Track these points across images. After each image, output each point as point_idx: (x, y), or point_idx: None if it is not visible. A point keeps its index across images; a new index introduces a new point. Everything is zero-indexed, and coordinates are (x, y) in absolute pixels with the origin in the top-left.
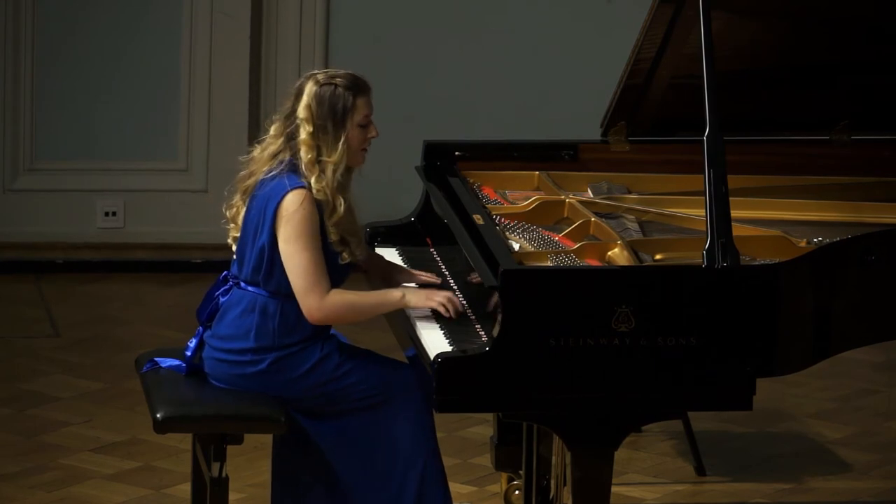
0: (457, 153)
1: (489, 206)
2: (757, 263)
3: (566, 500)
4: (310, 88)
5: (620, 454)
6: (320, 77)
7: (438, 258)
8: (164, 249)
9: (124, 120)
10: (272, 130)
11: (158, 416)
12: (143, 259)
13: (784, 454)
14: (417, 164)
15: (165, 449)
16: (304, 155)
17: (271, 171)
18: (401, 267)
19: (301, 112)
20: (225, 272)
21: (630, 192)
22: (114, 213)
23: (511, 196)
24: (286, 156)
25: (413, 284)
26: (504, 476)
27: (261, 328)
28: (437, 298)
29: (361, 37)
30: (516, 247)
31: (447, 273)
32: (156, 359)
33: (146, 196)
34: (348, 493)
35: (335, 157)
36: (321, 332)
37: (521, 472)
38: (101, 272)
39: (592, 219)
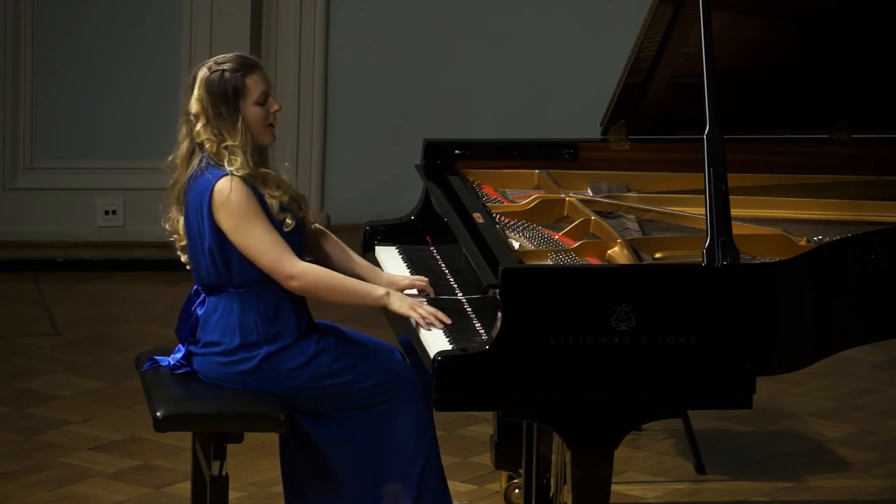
0: (457, 152)
1: (489, 204)
2: (757, 262)
3: (566, 498)
4: (200, 80)
5: (620, 453)
6: (208, 66)
7: (438, 257)
8: (164, 248)
9: (124, 119)
10: (181, 131)
11: (158, 414)
12: (144, 258)
13: (784, 453)
14: (417, 163)
15: (165, 447)
16: (209, 146)
17: (194, 172)
18: (383, 274)
19: (193, 106)
20: (195, 286)
21: (630, 191)
22: (114, 212)
23: (511, 195)
24: (200, 153)
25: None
26: (504, 475)
27: (243, 323)
28: (420, 311)
29: (361, 36)
30: (516, 245)
31: (447, 271)
32: (156, 357)
33: (146, 195)
34: (349, 493)
35: (238, 139)
36: (310, 322)
37: (520, 471)
38: (101, 271)
39: (592, 217)
